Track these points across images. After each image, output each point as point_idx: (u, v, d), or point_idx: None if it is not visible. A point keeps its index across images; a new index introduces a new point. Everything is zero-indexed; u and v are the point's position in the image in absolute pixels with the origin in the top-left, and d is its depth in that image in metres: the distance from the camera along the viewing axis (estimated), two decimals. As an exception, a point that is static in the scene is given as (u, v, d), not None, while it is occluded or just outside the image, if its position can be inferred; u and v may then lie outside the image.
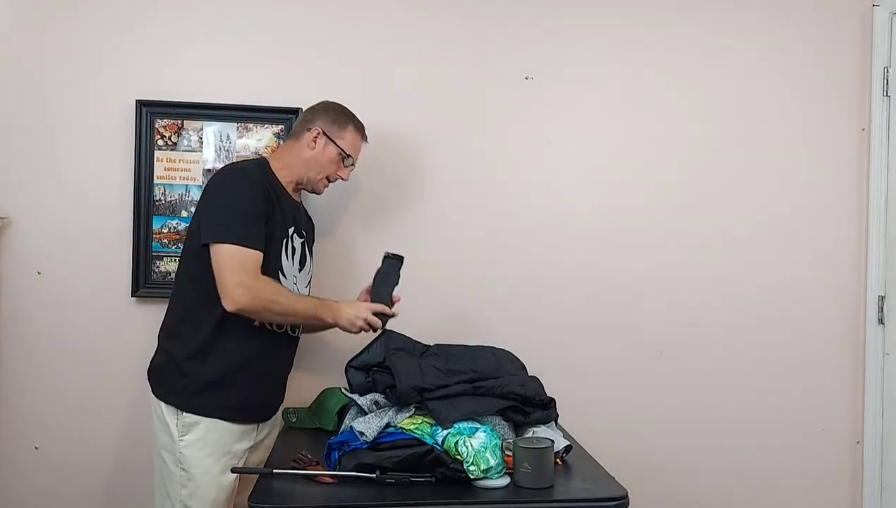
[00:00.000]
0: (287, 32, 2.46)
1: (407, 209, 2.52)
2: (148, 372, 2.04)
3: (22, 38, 2.37)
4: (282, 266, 2.02)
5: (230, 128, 2.41)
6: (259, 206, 1.93)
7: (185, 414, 1.95)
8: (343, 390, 2.05)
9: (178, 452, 1.95)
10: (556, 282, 2.56)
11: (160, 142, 2.39)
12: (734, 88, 2.62)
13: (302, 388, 2.35)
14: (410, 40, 2.51)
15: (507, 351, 2.09)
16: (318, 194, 2.20)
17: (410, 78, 2.51)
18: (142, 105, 2.38)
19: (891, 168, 2.60)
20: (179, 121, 2.39)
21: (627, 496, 1.66)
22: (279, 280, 2.00)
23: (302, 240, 2.13)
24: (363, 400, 1.87)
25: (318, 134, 2.10)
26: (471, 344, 2.11)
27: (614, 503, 1.64)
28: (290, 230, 2.07)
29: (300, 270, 2.12)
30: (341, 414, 2.09)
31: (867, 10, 2.65)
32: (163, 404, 1.97)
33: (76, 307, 2.39)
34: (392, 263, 2.13)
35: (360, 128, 2.17)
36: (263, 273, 1.92)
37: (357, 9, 2.49)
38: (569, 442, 1.89)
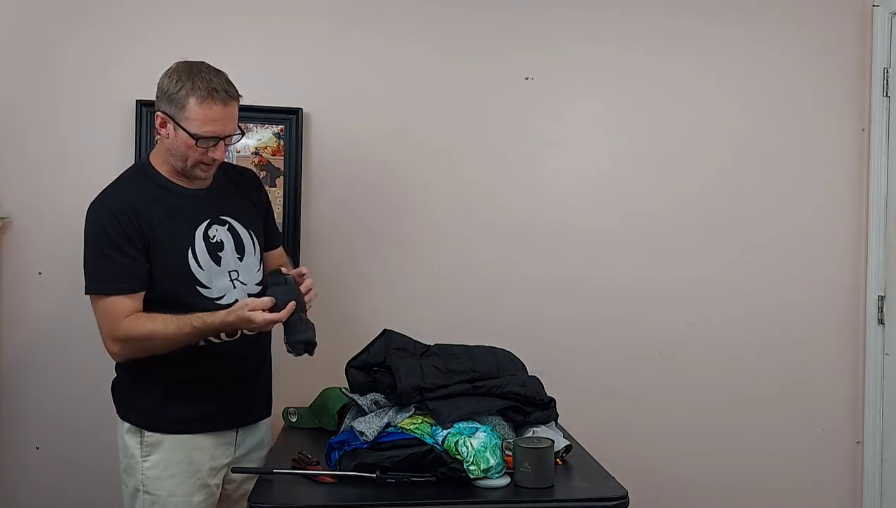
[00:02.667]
0: (287, 32, 2.46)
1: (407, 209, 2.52)
2: (111, 389, 1.94)
3: (22, 38, 2.37)
4: (196, 278, 1.82)
5: (230, 128, 2.40)
6: (116, 242, 1.75)
7: (147, 433, 1.85)
8: (343, 390, 2.05)
9: (142, 474, 1.85)
10: (555, 283, 2.57)
11: (160, 142, 2.39)
12: (734, 88, 2.63)
13: (302, 388, 2.34)
14: (410, 40, 2.51)
15: (508, 351, 2.09)
16: (203, 179, 1.87)
17: (410, 78, 2.51)
18: (142, 105, 2.37)
19: (891, 168, 2.60)
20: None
21: (627, 496, 1.66)
22: (197, 298, 1.81)
23: (227, 225, 1.89)
24: (363, 400, 1.87)
25: (163, 119, 1.78)
26: (471, 344, 2.11)
27: (614, 503, 1.64)
28: (202, 227, 1.85)
29: (241, 260, 1.90)
30: (341, 413, 2.09)
31: (867, 10, 2.65)
32: (126, 423, 1.88)
33: (76, 307, 2.38)
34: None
35: (204, 94, 1.73)
36: (175, 300, 1.79)
37: (356, 9, 2.49)
38: (569, 442, 1.89)
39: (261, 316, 1.73)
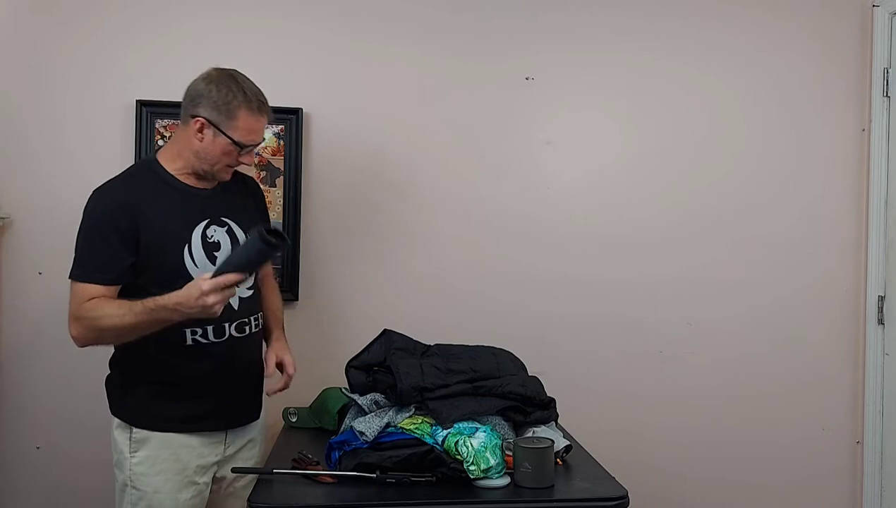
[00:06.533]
0: (287, 32, 2.46)
1: (407, 209, 2.52)
2: (105, 385, 1.95)
3: (22, 38, 2.37)
4: (192, 276, 1.78)
5: (230, 128, 2.40)
6: (104, 232, 1.78)
7: (136, 429, 1.86)
8: (343, 390, 2.05)
9: (130, 469, 1.85)
10: (555, 282, 2.57)
11: (160, 142, 2.39)
12: (734, 88, 2.63)
13: (302, 388, 2.34)
14: (411, 40, 2.51)
15: (508, 351, 2.09)
16: (223, 180, 1.90)
17: (410, 78, 2.51)
18: (142, 105, 2.38)
19: (891, 168, 2.60)
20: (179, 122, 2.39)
21: (627, 496, 1.66)
22: None
23: (226, 226, 1.90)
24: (363, 400, 1.88)
25: (203, 125, 1.80)
26: (471, 344, 2.11)
27: (614, 503, 1.65)
28: (200, 226, 1.85)
29: None
30: (342, 413, 2.09)
31: (867, 11, 2.65)
32: (116, 419, 1.89)
33: (76, 307, 2.39)
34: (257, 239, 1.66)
35: (253, 106, 1.81)
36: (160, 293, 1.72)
37: (357, 9, 2.49)
38: (569, 442, 1.89)
39: (207, 284, 1.63)
